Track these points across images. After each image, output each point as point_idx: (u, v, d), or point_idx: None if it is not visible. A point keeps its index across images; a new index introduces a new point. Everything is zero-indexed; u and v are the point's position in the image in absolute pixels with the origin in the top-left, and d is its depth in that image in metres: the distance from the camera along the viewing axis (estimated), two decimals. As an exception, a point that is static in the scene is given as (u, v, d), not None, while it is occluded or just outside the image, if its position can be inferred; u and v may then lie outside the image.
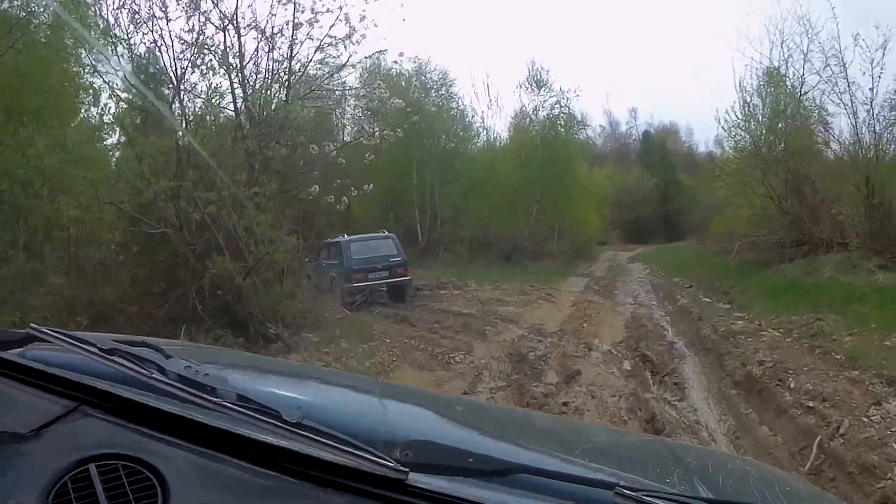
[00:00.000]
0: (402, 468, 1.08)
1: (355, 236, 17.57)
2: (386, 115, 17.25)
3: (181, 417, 1.18)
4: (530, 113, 28.74)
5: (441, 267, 22.79)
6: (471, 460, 1.14)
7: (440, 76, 28.61)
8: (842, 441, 5.15)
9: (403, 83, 27.79)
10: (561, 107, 28.20)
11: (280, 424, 1.14)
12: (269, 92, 12.24)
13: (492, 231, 26.34)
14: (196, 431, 1.17)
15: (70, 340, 1.37)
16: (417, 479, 1.09)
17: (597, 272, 25.38)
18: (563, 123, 28.43)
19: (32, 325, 1.43)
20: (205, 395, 1.22)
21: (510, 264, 24.26)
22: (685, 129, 64.56)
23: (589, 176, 32.59)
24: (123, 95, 12.24)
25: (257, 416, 1.16)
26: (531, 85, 28.32)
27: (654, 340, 10.42)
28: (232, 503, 1.09)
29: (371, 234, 18.15)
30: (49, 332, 1.39)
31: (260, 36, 11.48)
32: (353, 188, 12.22)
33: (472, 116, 30.59)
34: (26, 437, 1.15)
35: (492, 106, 37.08)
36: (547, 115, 28.26)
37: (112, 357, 1.31)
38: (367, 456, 1.09)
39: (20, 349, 1.45)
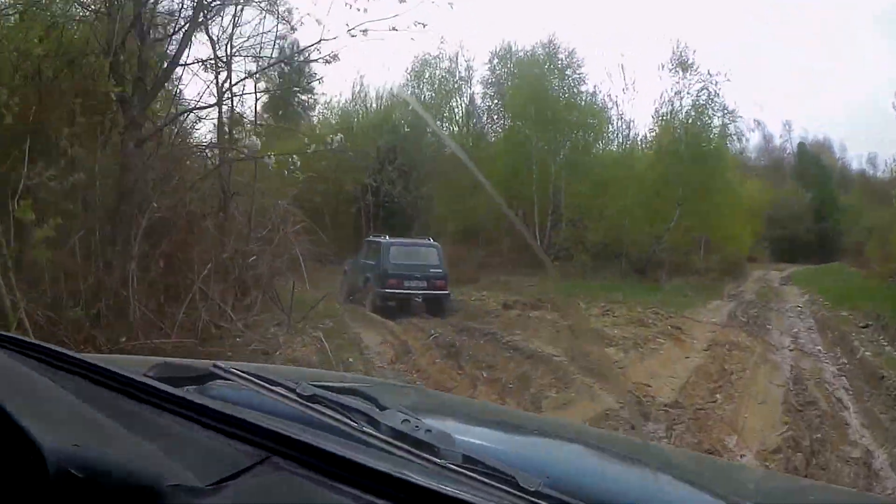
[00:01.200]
0: None
1: (398, 239, 17.01)
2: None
3: (396, 478, 0.97)
4: (672, 98, 23.99)
5: (556, 278, 19.05)
6: None
7: (567, 56, 24.76)
8: None
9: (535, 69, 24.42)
10: (709, 92, 23.41)
11: (515, 492, 0.99)
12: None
13: (624, 238, 22.22)
14: (407, 492, 0.96)
15: (259, 383, 1.27)
16: None
17: (746, 294, 20.56)
18: (710, 113, 23.55)
19: (216, 363, 1.36)
20: (425, 455, 1.08)
21: (644, 279, 20.18)
22: (839, 145, 58.41)
23: (740, 183, 27.44)
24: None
25: (487, 481, 1.02)
26: (675, 66, 23.64)
27: (835, 443, 6.23)
28: None
29: (415, 240, 17.49)
30: (233, 371, 1.31)
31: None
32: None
33: (605, 102, 26.11)
34: (204, 491, 0.94)
35: (627, 90, 32.63)
36: (693, 101, 23.51)
37: (311, 405, 1.19)
38: None
39: (198, 386, 1.33)
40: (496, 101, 27.88)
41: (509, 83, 26.16)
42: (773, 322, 14.75)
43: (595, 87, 25.41)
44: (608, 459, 1.59)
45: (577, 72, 24.76)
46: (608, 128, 25.56)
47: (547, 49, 24.85)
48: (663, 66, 23.74)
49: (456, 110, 28.08)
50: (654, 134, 24.91)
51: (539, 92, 23.76)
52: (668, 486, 1.39)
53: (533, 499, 0.98)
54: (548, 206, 23.43)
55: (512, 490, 0.99)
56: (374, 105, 29.96)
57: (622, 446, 1.94)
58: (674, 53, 23.71)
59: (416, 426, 1.16)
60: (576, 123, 23.90)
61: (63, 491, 0.86)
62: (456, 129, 28.14)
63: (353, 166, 27.64)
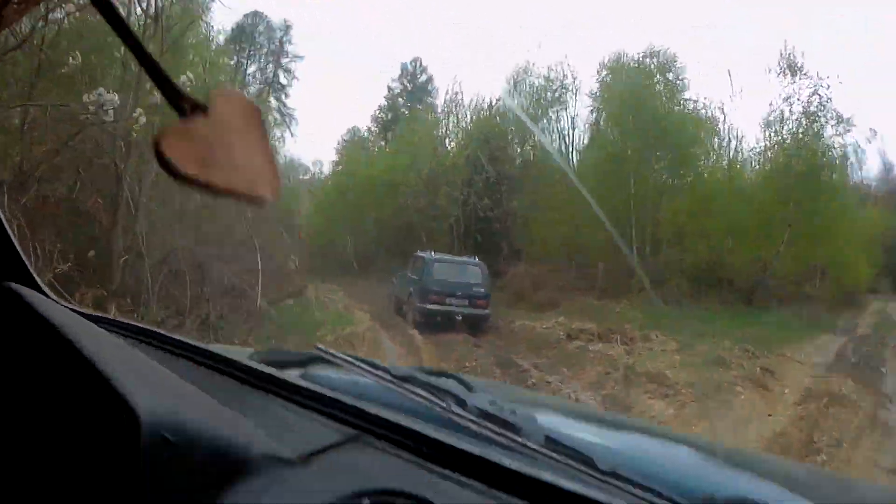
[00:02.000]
0: None
1: (442, 255, 17.43)
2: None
3: (478, 457, 1.07)
4: (781, 106, 21.43)
5: (648, 305, 17.37)
6: None
7: (667, 61, 22.82)
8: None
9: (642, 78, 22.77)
10: (820, 98, 20.66)
11: (592, 473, 1.05)
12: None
13: (728, 261, 20.05)
14: (495, 474, 1.05)
15: (359, 364, 1.36)
16: None
17: (860, 328, 17.98)
18: (822, 122, 20.68)
19: (318, 346, 1.43)
20: (509, 435, 1.15)
21: (748, 309, 18.08)
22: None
23: (859, 205, 24.38)
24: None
25: (567, 461, 1.08)
26: (782, 69, 21.09)
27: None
28: None
29: (460, 258, 17.82)
30: (336, 354, 1.40)
31: None
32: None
33: (709, 111, 23.60)
34: (294, 462, 1.03)
35: (734, 97, 29.70)
36: (803, 108, 20.84)
37: (405, 385, 1.28)
38: None
39: (302, 370, 1.43)
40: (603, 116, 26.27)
41: (607, 92, 24.43)
42: (891, 364, 12.51)
43: (698, 95, 23.41)
44: (697, 455, 1.60)
45: (680, 77, 22.86)
46: (713, 139, 23.27)
47: (646, 54, 23.10)
48: (770, 70, 21.46)
49: (556, 123, 26.61)
50: (762, 145, 22.56)
51: (637, 99, 22.01)
52: (736, 482, 1.37)
53: (610, 479, 1.02)
54: (646, 224, 21.64)
55: (590, 471, 1.04)
56: (467, 114, 29.01)
57: (724, 452, 1.91)
58: (781, 55, 21.28)
59: (503, 407, 1.20)
60: (677, 133, 21.95)
61: (155, 454, 0.88)
62: (556, 141, 26.62)
63: (447, 179, 26.96)
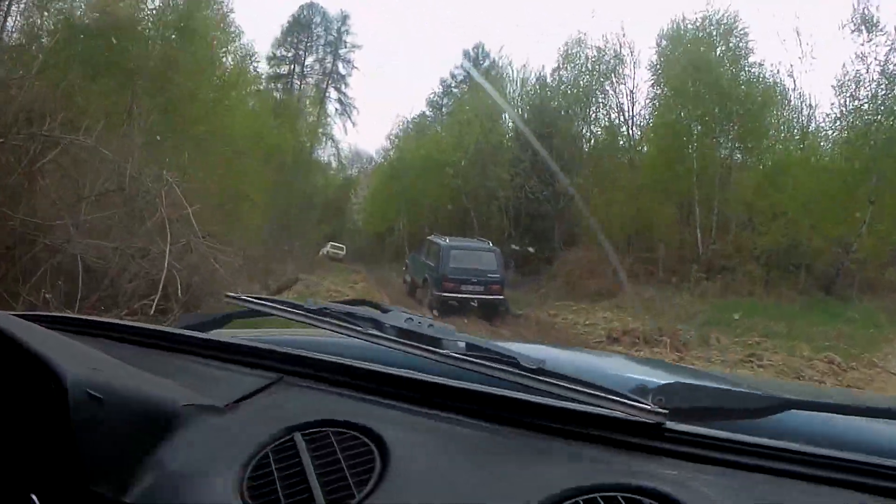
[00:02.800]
0: (660, 410, 1.00)
1: (457, 242, 17.09)
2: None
3: (398, 377, 1.12)
4: (856, 66, 18.42)
5: (714, 297, 15.69)
6: (731, 399, 1.09)
7: (728, 23, 20.58)
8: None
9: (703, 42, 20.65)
10: None
11: (519, 372, 1.07)
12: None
13: (804, 244, 17.82)
14: (420, 389, 1.10)
15: (270, 305, 1.38)
16: (677, 425, 1.00)
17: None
18: None
19: (228, 293, 1.46)
20: (430, 348, 1.15)
21: (828, 299, 16.12)
22: None
23: None
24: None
25: (492, 364, 1.09)
26: (857, 26, 18.11)
27: None
28: (466, 466, 0.97)
29: (475, 244, 17.48)
30: (248, 299, 1.40)
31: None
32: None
33: (777, 75, 20.71)
34: (223, 409, 1.10)
35: (804, 59, 26.77)
36: (881, 69, 17.87)
37: (320, 317, 1.28)
38: (619, 400, 1.01)
39: (224, 326, 1.49)
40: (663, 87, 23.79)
41: (666, 63, 22.27)
42: None
43: (764, 59, 20.78)
44: (605, 358, 1.83)
45: (743, 41, 20.45)
46: (783, 107, 20.62)
47: (706, 18, 20.80)
48: (843, 26, 18.85)
49: (614, 97, 24.49)
50: (836, 112, 19.68)
51: (698, 68, 19.94)
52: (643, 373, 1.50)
53: (535, 375, 1.05)
54: (711, 203, 19.70)
55: (514, 370, 1.06)
56: (515, 88, 27.38)
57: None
58: (854, 10, 18.26)
59: (420, 322, 1.21)
60: (743, 103, 19.81)
61: (84, 411, 0.93)
62: (613, 118, 24.54)
63: (494, 159, 25.47)
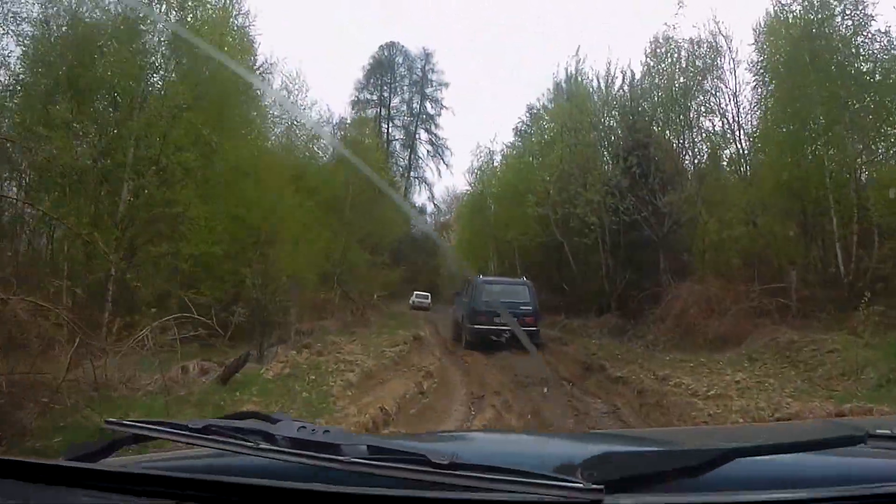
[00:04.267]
0: (593, 487, 0.93)
1: (490, 278, 19.04)
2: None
3: (297, 491, 1.01)
4: None
5: (880, 333, 11.62)
6: (670, 459, 1.02)
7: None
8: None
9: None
10: None
11: (429, 469, 0.99)
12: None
13: None
14: (321, 501, 1.01)
15: (152, 427, 1.29)
16: (615, 499, 0.93)
17: None
18: None
19: (108, 420, 1.37)
20: (327, 455, 1.08)
21: None
22: None
23: None
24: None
25: (398, 465, 1.02)
26: None
27: None
28: None
29: (507, 278, 19.57)
30: (128, 422, 1.34)
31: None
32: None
33: None
34: None
35: None
36: None
37: (206, 436, 1.21)
38: (546, 483, 0.94)
39: (112, 452, 1.37)
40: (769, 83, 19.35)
41: (765, 55, 18.01)
42: None
43: (888, 25, 16.13)
44: (526, 437, 1.73)
45: (859, 7, 15.75)
46: None
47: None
48: None
49: (714, 100, 20.22)
50: None
51: (811, 48, 15.77)
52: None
53: (448, 471, 0.98)
54: (850, 212, 15.45)
55: (424, 468, 0.99)
56: (601, 95, 23.76)
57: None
58: None
59: (314, 430, 1.15)
60: (875, 84, 15.36)
61: None
62: (716, 123, 20.20)
63: (582, 181, 21.84)
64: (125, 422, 1.33)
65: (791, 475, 1.03)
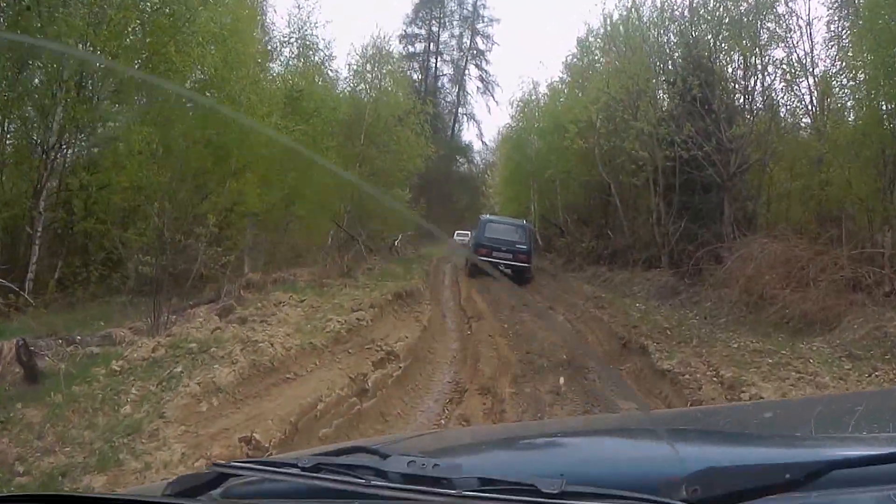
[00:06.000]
0: None
1: (495, 217, 22.60)
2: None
3: None
4: None
5: None
6: (770, 474, 0.99)
7: None
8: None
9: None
10: None
11: (541, 500, 0.99)
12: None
13: None
14: None
15: (262, 468, 1.26)
16: None
17: None
18: None
19: (216, 462, 1.34)
20: (440, 490, 1.06)
21: None
22: None
23: None
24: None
25: (509, 497, 1.01)
26: None
27: None
28: None
29: (510, 219, 22.25)
30: (236, 464, 1.29)
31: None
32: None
33: None
34: None
35: None
36: None
37: (318, 475, 1.18)
38: None
39: (211, 491, 1.27)
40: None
41: None
42: None
43: None
44: (621, 442, 1.58)
45: None
46: None
47: None
48: None
49: (784, 31, 16.09)
50: None
51: None
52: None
53: (558, 500, 0.98)
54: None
55: (535, 498, 0.99)
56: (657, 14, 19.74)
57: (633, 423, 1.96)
58: None
59: (423, 464, 1.14)
60: None
61: None
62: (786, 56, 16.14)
63: (632, 111, 18.22)
64: (233, 462, 1.27)
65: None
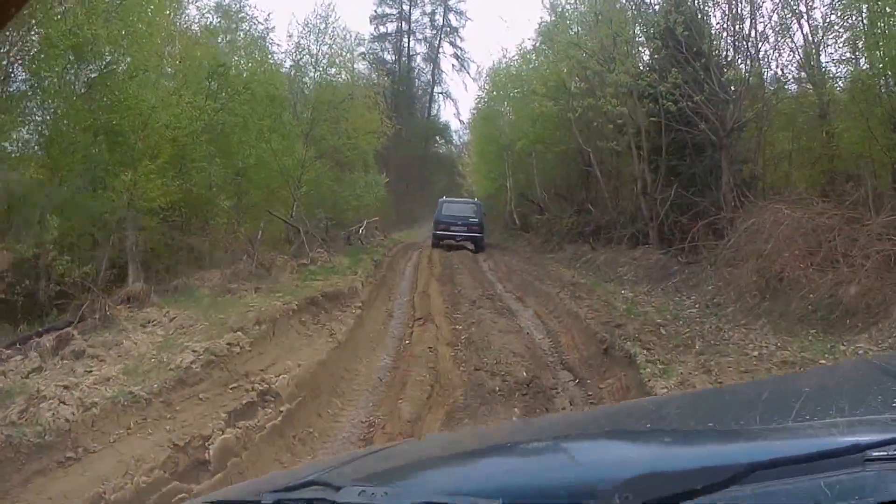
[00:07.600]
0: None
1: (450, 198, 27.49)
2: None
3: None
4: None
5: None
6: (696, 479, 0.97)
7: None
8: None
9: None
10: None
11: None
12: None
13: None
14: None
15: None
16: None
17: None
18: None
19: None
20: None
21: None
22: None
23: None
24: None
25: None
26: None
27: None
28: None
29: (463, 199, 28.29)
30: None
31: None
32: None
33: None
34: None
35: None
36: None
37: None
38: None
39: None
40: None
41: None
42: None
43: None
44: (565, 447, 1.52)
45: None
46: None
47: None
48: None
49: None
50: None
51: None
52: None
53: None
54: None
55: None
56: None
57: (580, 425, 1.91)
58: None
59: (373, 493, 1.15)
60: None
61: None
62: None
63: (609, 68, 15.73)
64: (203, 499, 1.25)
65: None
